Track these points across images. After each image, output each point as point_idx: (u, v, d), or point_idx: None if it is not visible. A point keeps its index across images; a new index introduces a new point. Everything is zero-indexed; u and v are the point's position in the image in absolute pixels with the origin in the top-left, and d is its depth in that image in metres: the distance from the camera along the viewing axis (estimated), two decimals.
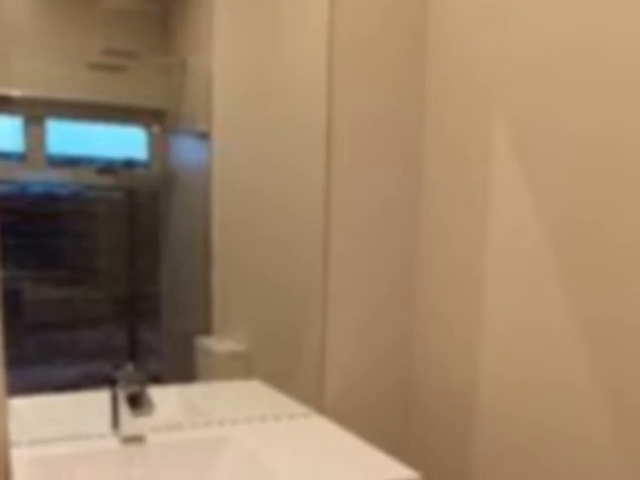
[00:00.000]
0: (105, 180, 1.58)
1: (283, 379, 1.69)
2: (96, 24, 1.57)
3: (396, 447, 1.69)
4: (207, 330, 1.66)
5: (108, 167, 1.58)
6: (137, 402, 1.35)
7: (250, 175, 1.71)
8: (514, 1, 1.44)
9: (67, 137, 1.56)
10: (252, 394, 1.66)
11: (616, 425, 1.24)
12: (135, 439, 1.40)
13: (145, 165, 1.63)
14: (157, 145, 1.62)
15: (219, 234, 1.67)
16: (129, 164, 1.60)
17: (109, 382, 1.42)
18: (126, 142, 1.61)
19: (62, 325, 1.56)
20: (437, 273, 1.69)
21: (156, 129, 1.62)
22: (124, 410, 1.38)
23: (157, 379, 1.56)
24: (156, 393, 1.39)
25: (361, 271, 1.69)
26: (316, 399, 1.67)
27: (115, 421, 1.42)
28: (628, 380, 1.22)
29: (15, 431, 1.34)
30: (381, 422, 1.74)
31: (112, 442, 1.40)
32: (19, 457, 1.32)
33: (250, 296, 1.72)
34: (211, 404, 1.60)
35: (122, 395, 1.38)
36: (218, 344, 1.66)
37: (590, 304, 1.29)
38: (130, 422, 1.40)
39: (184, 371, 1.65)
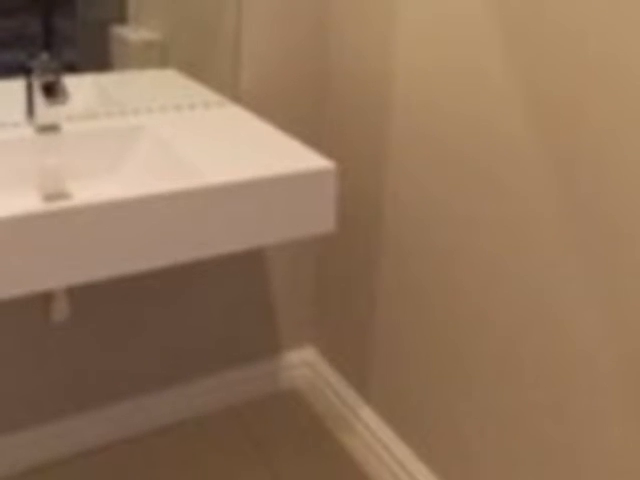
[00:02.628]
0: None
1: (199, 68, 1.71)
2: None
3: (312, 137, 1.77)
4: (122, 19, 1.64)
5: None
6: (52, 91, 1.38)
7: None
8: None
9: None
10: (167, 83, 1.69)
11: (527, 111, 1.28)
12: (50, 128, 1.45)
13: None
14: None
15: None
16: None
17: (24, 71, 1.43)
18: None
19: None
20: None
21: None
22: (39, 99, 1.41)
23: (72, 68, 1.58)
24: (71, 82, 1.42)
25: None
26: (231, 87, 1.70)
27: (30, 110, 1.45)
28: (540, 71, 1.24)
29: None
30: (297, 111, 1.80)
31: (27, 131, 1.45)
32: None
33: None
34: (126, 93, 1.63)
35: (37, 84, 1.41)
36: (133, 33, 1.65)
37: None
38: (45, 111, 1.44)
39: (99, 60, 1.66)
